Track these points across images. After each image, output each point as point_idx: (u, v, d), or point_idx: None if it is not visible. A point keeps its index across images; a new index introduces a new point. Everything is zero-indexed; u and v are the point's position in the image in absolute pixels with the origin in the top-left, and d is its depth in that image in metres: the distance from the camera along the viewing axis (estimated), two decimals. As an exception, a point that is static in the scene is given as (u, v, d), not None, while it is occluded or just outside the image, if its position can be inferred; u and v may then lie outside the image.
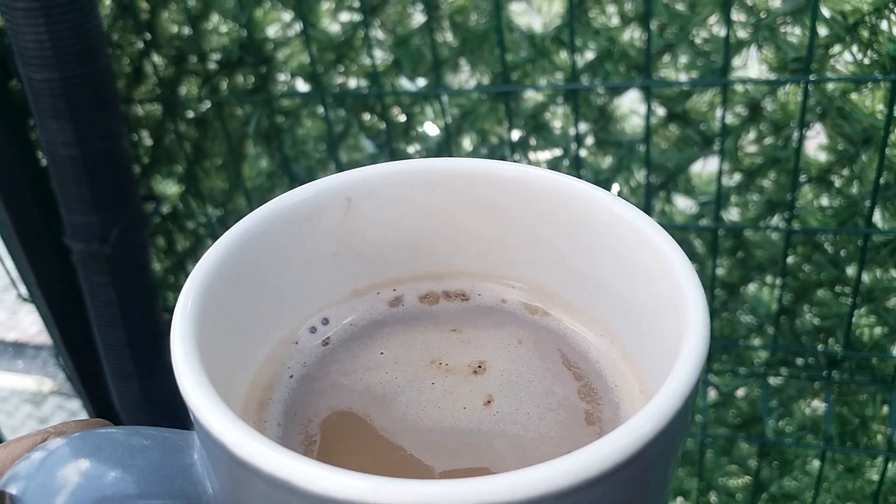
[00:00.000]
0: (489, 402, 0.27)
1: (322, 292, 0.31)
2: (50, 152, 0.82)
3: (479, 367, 0.28)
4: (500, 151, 0.82)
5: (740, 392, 0.92)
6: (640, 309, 0.27)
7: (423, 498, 0.18)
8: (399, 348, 0.30)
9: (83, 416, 2.73)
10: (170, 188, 1.00)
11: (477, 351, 0.29)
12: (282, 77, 0.85)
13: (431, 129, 0.85)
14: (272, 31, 0.83)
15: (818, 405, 0.89)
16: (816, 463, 0.90)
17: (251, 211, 0.29)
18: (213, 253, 0.26)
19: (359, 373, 0.28)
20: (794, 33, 0.70)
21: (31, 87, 0.78)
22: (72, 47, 0.76)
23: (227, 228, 0.28)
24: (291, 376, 0.28)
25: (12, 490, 0.21)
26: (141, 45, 0.88)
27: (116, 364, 0.96)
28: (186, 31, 0.86)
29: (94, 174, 0.83)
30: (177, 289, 1.08)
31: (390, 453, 0.25)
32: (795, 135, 0.72)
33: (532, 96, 0.80)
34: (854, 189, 0.74)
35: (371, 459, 0.25)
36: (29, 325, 3.33)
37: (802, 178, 0.76)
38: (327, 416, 0.27)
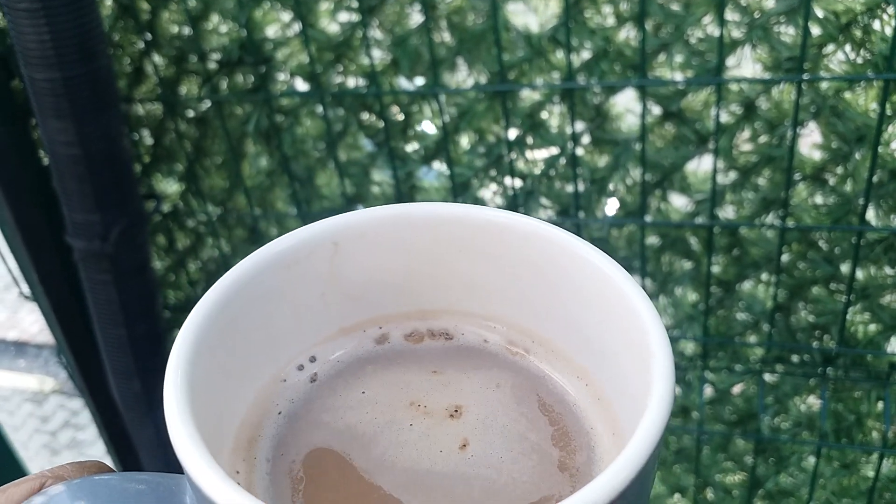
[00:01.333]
0: (464, 445, 0.28)
1: (310, 332, 0.32)
2: (52, 151, 0.83)
3: (456, 410, 0.29)
4: (497, 150, 0.83)
5: (736, 389, 0.92)
6: (613, 354, 0.29)
7: None
8: (380, 388, 0.31)
9: (84, 414, 2.73)
10: (170, 187, 1.01)
11: (455, 394, 0.30)
12: (281, 76, 0.86)
13: (429, 127, 0.86)
14: (271, 31, 0.84)
15: (813, 402, 0.90)
16: (812, 459, 0.91)
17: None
18: (205, 302, 0.27)
19: (341, 411, 0.30)
20: (788, 33, 0.71)
21: (33, 86, 0.79)
22: (73, 47, 0.77)
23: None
24: (280, 413, 0.30)
25: None
26: (141, 45, 0.89)
27: (117, 361, 0.97)
28: (187, 31, 0.86)
29: (95, 173, 0.84)
30: (177, 287, 1.09)
31: (369, 492, 0.26)
32: (789, 133, 0.72)
33: (528, 95, 0.81)
34: (848, 187, 0.75)
35: (352, 498, 0.26)
36: (30, 324, 3.34)
37: (797, 176, 0.77)
38: (311, 451, 0.28)
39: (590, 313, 0.29)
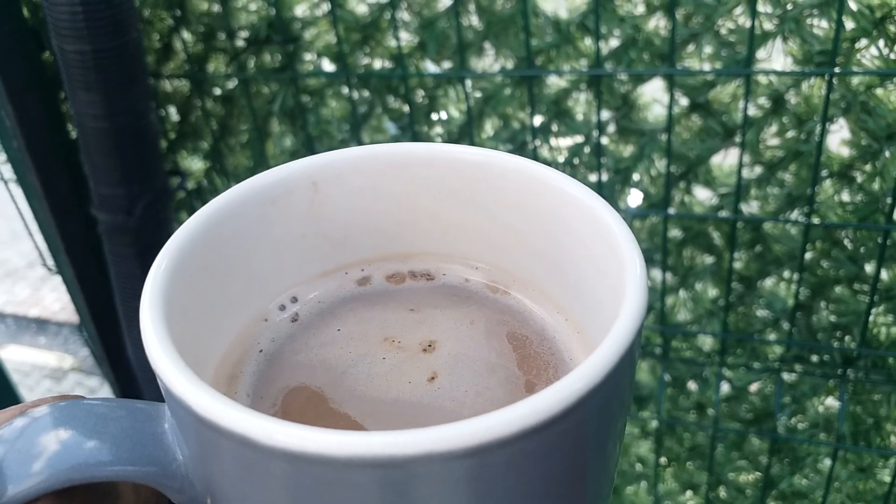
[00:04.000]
0: (433, 378, 0.28)
1: (291, 272, 0.32)
2: (80, 124, 0.84)
3: (430, 345, 0.30)
4: (522, 137, 0.83)
5: (753, 387, 0.92)
6: (591, 286, 0.29)
7: (369, 448, 0.19)
8: (356, 325, 0.31)
9: (103, 392, 2.76)
10: (195, 164, 1.01)
11: (430, 330, 0.30)
12: (308, 56, 0.86)
13: (444, 116, 0.85)
14: (300, 11, 0.85)
15: (832, 403, 0.89)
16: (828, 461, 0.90)
17: None
18: (184, 231, 0.27)
19: (316, 348, 0.30)
20: (821, 26, 0.70)
21: (64, 58, 0.80)
22: (104, 20, 0.77)
23: None
24: (261, 351, 0.30)
25: None
26: (171, 21, 0.90)
27: (137, 335, 0.98)
28: (216, 8, 0.87)
29: (121, 147, 0.84)
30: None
31: (336, 420, 0.27)
32: (818, 129, 0.72)
33: (555, 82, 0.80)
34: (876, 185, 0.74)
35: (321, 426, 0.27)
36: (52, 301, 3.39)
37: (824, 172, 0.76)
38: (289, 389, 0.28)
39: (570, 246, 0.29)
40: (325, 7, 0.83)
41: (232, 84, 0.92)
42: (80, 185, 0.93)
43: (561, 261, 0.30)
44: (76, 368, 3.09)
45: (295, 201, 0.30)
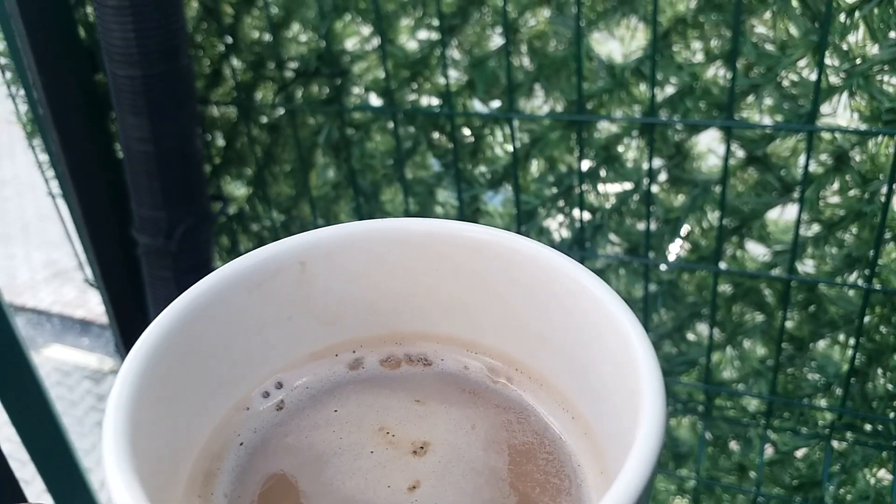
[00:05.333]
0: (414, 487, 0.26)
1: (277, 356, 0.30)
2: (126, 146, 0.85)
3: (422, 447, 0.28)
4: (568, 181, 0.80)
5: (800, 452, 0.87)
6: (601, 383, 0.26)
7: None
8: (355, 407, 0.29)
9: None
10: (238, 190, 1.01)
11: (428, 430, 0.28)
12: (356, 90, 0.86)
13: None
14: (350, 44, 0.84)
15: (884, 476, 0.84)
16: (877, 536, 0.85)
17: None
18: (159, 323, 0.26)
19: (306, 430, 0.28)
20: (891, 83, 0.66)
21: (115, 82, 0.80)
22: (156, 46, 0.78)
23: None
24: (241, 444, 0.28)
25: None
26: (222, 48, 0.90)
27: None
28: (267, 37, 0.87)
29: (165, 170, 0.85)
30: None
31: None
32: (884, 189, 0.68)
33: (606, 127, 0.78)
34: (944, 252, 0.70)
35: None
36: (96, 304, 3.45)
37: (887, 235, 0.72)
38: (267, 476, 0.27)
39: (578, 339, 0.27)
40: (375, 42, 0.82)
41: (279, 113, 0.91)
42: (121, 207, 0.93)
43: (569, 354, 0.28)
44: (115, 371, 3.14)
45: (281, 283, 0.29)
